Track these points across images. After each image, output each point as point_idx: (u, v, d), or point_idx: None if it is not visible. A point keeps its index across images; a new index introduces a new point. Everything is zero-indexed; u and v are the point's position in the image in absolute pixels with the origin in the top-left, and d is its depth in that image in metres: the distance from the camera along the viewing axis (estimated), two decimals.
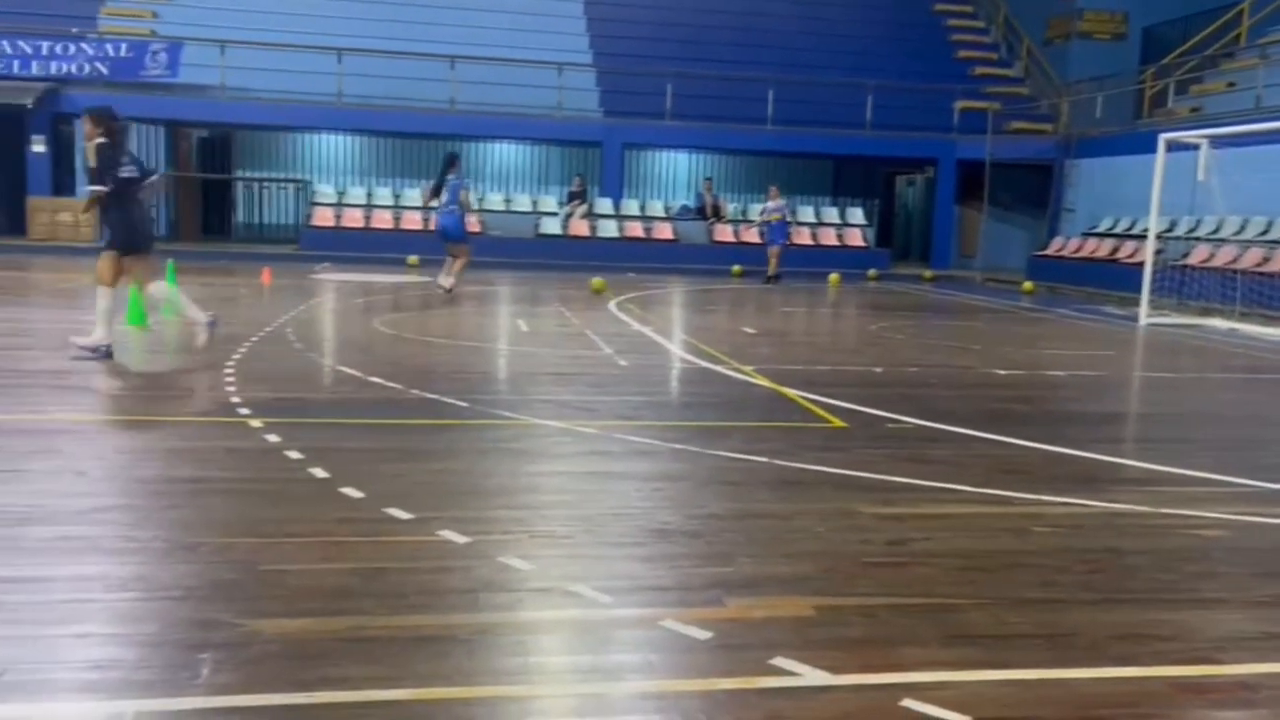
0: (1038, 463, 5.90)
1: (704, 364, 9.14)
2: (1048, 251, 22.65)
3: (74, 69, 21.25)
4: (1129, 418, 8.10)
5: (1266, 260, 16.55)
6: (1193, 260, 17.50)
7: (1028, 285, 20.53)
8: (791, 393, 7.74)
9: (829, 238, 24.28)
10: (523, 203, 24.41)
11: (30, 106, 20.52)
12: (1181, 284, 16.55)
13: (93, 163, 7.72)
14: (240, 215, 25.72)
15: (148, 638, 3.14)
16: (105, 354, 7.91)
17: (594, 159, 24.58)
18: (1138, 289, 15.23)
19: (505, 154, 26.25)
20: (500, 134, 24.49)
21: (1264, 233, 17.38)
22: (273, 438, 5.65)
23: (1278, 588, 3.99)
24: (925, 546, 4.29)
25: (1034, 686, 3.05)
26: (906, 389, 8.24)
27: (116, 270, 7.99)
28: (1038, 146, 24.10)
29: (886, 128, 23.77)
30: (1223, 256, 17.32)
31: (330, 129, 24.61)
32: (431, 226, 17.54)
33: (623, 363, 9.10)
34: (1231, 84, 20.77)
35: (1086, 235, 22.04)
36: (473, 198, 20.70)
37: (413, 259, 20.19)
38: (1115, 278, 18.89)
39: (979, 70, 26.94)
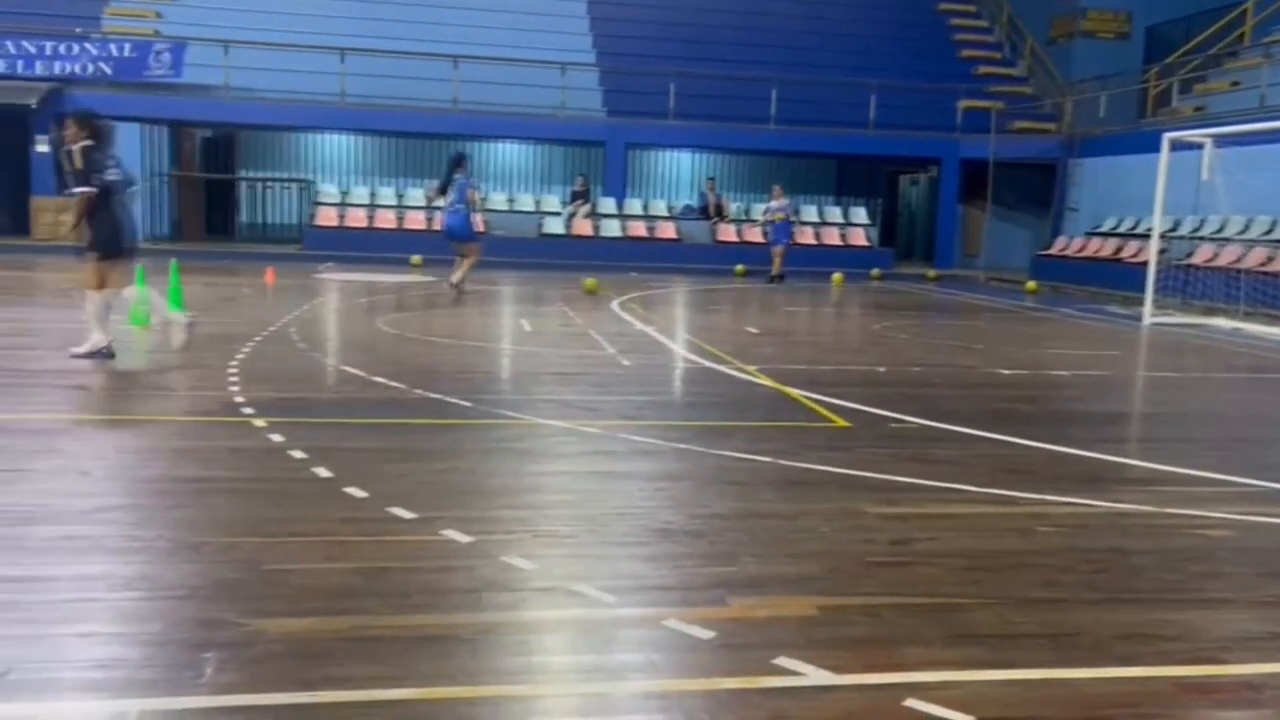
0: (1042, 462, 5.89)
1: (707, 364, 9.14)
2: (1051, 251, 22.60)
3: (78, 69, 21.25)
4: (1133, 418, 8.09)
5: (1271, 260, 16.49)
6: (1197, 260, 17.46)
7: (1031, 285, 20.48)
8: (795, 392, 7.73)
9: (832, 237, 24.26)
10: (526, 202, 24.41)
11: (34, 106, 20.51)
12: (1185, 284, 16.53)
13: (80, 165, 7.75)
14: (244, 215, 25.71)
15: (151, 637, 3.14)
16: (107, 355, 7.92)
17: (597, 159, 24.57)
18: (1141, 289, 15.21)
19: (508, 154, 26.27)
20: (503, 134, 24.49)
21: (1268, 232, 17.33)
22: (276, 437, 5.66)
23: None
24: (929, 546, 4.29)
25: (1038, 686, 3.04)
26: (910, 389, 8.24)
27: (100, 274, 8.00)
28: (1041, 146, 24.06)
29: (890, 127, 23.75)
30: (1227, 256, 17.28)
31: (333, 129, 24.62)
32: (436, 226, 17.55)
33: (626, 362, 9.10)
34: (1235, 83, 20.71)
35: (1090, 235, 21.99)
36: (479, 197, 20.69)
37: (416, 259, 20.21)
38: (1119, 277, 18.84)
39: (982, 69, 26.90)
